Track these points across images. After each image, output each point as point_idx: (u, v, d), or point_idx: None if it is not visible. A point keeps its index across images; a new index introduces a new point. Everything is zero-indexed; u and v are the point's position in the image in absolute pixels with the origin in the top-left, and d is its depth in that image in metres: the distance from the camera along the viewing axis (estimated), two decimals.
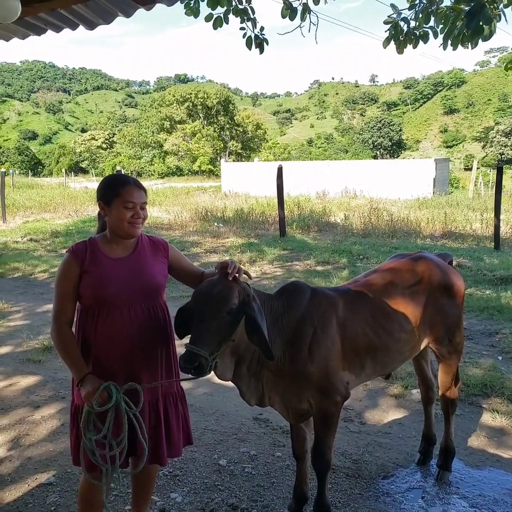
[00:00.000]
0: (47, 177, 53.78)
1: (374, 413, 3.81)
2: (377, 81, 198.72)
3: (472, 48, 3.29)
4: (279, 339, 2.27)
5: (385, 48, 4.21)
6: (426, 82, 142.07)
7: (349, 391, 2.44)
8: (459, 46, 3.46)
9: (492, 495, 2.83)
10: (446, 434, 2.98)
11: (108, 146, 73.74)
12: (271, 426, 3.61)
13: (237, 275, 2.13)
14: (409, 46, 4.16)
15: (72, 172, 55.37)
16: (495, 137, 75.87)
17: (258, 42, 4.61)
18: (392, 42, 4.09)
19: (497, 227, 9.87)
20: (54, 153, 76.47)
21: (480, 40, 3.07)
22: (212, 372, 2.06)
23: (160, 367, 2.22)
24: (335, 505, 2.72)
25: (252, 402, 2.35)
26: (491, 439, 3.40)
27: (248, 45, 4.57)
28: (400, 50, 4.18)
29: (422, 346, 2.79)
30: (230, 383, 2.33)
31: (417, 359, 3.03)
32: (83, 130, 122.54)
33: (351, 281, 2.81)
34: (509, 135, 74.23)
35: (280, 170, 11.44)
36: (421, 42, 4.05)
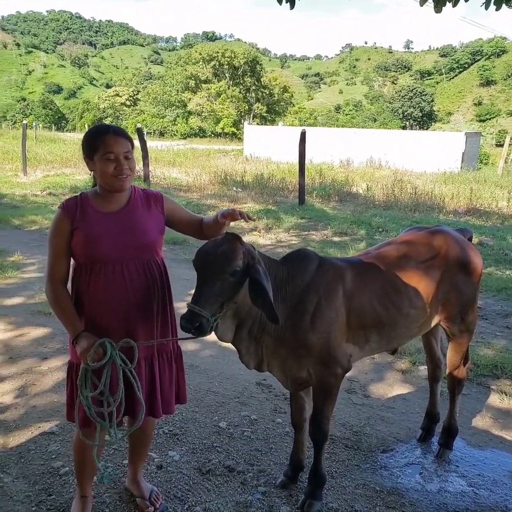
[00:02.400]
0: (70, 132, 53.71)
1: (379, 386, 3.77)
2: (412, 48, 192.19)
3: None
4: (282, 307, 2.21)
5: (421, 6, 3.97)
6: (464, 51, 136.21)
7: (351, 363, 2.39)
8: (503, 5, 3.22)
9: (491, 475, 2.79)
10: (450, 413, 2.92)
11: (132, 104, 73.21)
12: (274, 392, 3.60)
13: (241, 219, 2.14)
14: (449, 5, 3.90)
15: None
16: None
17: None
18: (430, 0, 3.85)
19: None
20: (78, 108, 76.09)
21: None
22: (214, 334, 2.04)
23: (156, 325, 2.18)
24: (331, 474, 2.72)
25: (250, 365, 2.32)
26: (496, 420, 3.34)
27: None
28: (438, 8, 3.93)
29: (433, 324, 2.70)
30: None
31: (426, 336, 2.95)
32: (108, 86, 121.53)
33: (363, 252, 2.72)
34: None
35: (303, 134, 11.14)
36: (461, 1, 3.79)
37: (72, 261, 2.12)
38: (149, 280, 2.12)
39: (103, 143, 2.00)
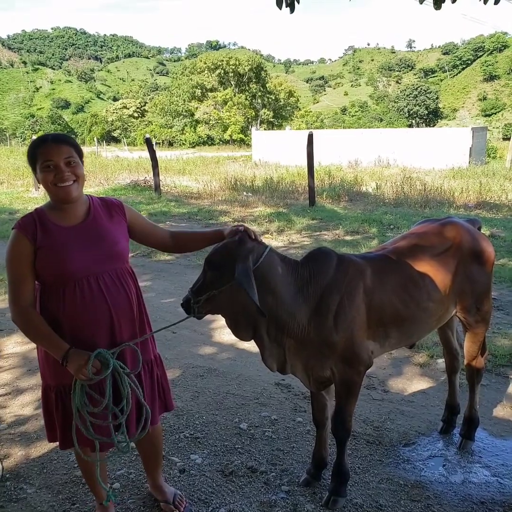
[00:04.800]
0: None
1: (398, 381, 3.77)
2: (415, 47, 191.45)
3: None
4: (304, 307, 2.23)
5: (421, 3, 3.99)
6: (466, 47, 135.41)
7: (372, 360, 2.39)
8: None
9: None
10: (470, 404, 2.91)
11: (140, 115, 73.82)
12: (293, 391, 3.61)
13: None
14: (448, 2, 3.90)
15: (104, 141, 55.79)
16: None
17: (288, 1, 4.42)
18: None
19: None
20: (86, 122, 77.05)
21: None
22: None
23: (139, 332, 2.14)
24: (354, 470, 2.72)
25: (274, 368, 2.34)
26: None
27: (279, 4, 4.39)
28: (437, 5, 3.93)
29: (450, 316, 2.70)
30: (253, 349, 2.30)
31: (442, 328, 2.94)
32: (115, 99, 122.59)
33: (379, 247, 2.71)
34: None
35: (310, 137, 11.16)
36: None
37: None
38: (126, 288, 2.07)
39: (42, 152, 1.91)
